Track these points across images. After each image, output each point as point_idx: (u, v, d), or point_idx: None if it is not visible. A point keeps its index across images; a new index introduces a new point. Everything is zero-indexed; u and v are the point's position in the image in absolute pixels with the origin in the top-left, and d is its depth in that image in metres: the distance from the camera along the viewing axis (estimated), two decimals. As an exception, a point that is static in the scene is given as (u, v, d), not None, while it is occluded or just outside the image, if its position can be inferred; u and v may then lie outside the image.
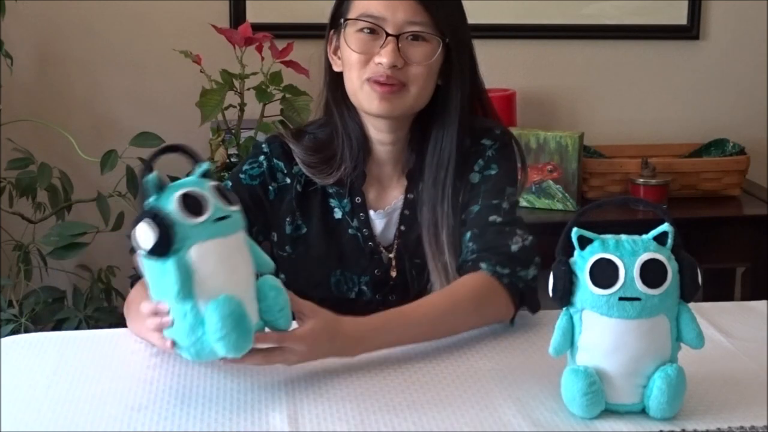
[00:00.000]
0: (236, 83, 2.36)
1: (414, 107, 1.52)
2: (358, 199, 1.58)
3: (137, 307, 1.26)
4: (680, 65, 2.91)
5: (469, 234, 1.51)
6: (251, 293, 1.17)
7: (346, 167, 1.56)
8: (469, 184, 1.55)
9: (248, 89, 2.36)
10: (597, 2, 2.84)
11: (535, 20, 2.80)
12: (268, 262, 1.22)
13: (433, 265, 1.53)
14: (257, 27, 2.41)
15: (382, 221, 1.59)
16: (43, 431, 1.13)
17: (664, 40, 2.88)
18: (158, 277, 1.13)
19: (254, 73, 2.37)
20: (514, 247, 1.47)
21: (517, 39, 2.76)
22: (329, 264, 1.58)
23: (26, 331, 2.19)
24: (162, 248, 1.10)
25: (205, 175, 1.19)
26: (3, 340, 1.38)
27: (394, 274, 1.58)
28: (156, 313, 1.16)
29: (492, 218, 1.51)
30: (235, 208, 1.16)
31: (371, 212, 1.59)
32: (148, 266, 1.14)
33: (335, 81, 1.57)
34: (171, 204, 1.12)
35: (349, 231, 1.58)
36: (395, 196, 1.60)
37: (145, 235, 1.11)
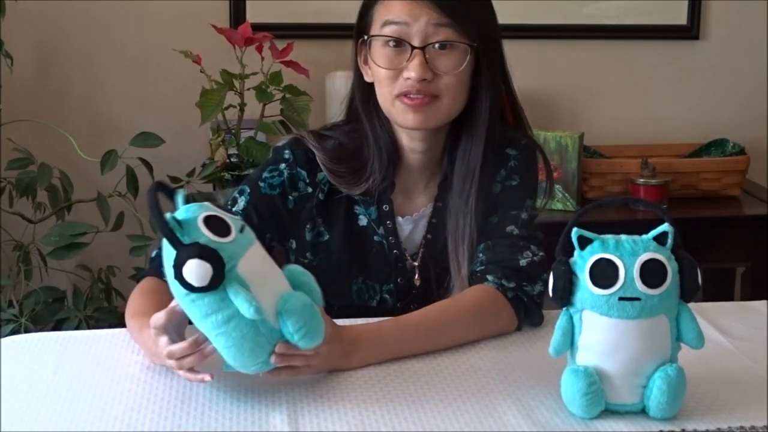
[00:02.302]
0: (236, 83, 2.36)
1: (449, 117, 1.49)
2: (386, 207, 1.55)
3: (146, 334, 1.26)
4: (680, 65, 2.91)
5: (482, 245, 1.50)
6: (287, 283, 1.19)
7: (374, 179, 1.52)
8: (491, 194, 1.53)
9: (248, 89, 2.36)
10: (597, 2, 2.84)
11: (535, 20, 2.80)
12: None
13: (455, 275, 1.51)
14: (257, 27, 2.42)
15: (409, 227, 1.57)
16: (43, 431, 1.13)
17: (664, 40, 2.89)
18: (217, 309, 1.11)
19: (254, 73, 2.37)
20: (523, 262, 1.46)
21: (517, 39, 2.75)
22: (351, 272, 1.56)
23: (26, 331, 2.19)
24: (219, 277, 1.09)
25: (186, 201, 1.16)
26: (3, 340, 1.38)
27: (417, 282, 1.57)
28: (190, 350, 1.17)
29: (509, 228, 1.50)
30: (236, 228, 1.15)
31: (399, 218, 1.57)
32: (199, 306, 1.12)
33: (366, 91, 1.53)
34: (201, 233, 1.11)
35: (375, 238, 1.56)
36: (423, 203, 1.58)
37: (199, 271, 1.09)
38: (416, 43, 1.43)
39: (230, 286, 1.10)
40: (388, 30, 1.45)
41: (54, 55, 2.65)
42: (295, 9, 2.68)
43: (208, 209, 1.14)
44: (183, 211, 1.13)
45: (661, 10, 2.85)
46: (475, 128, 1.50)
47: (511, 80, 1.57)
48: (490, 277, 1.44)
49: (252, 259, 1.14)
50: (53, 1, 2.61)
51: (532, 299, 1.44)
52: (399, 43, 1.44)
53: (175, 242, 1.10)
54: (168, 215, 1.11)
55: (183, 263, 1.09)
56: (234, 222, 1.14)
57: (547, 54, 2.84)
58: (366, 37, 1.49)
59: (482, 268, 1.47)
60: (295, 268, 1.21)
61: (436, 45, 1.44)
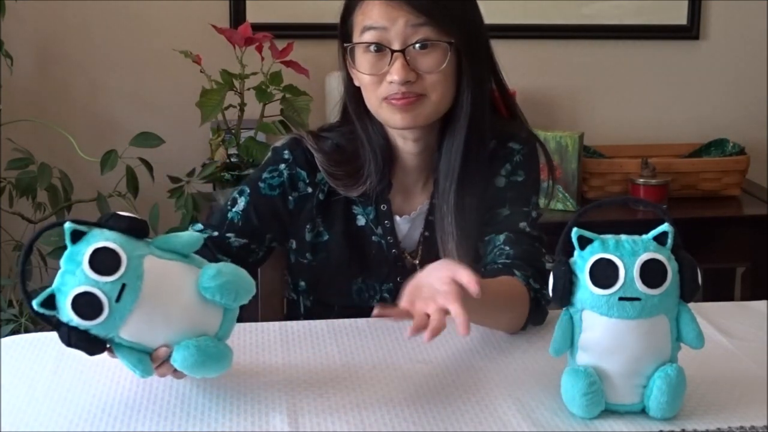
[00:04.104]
0: (236, 83, 2.36)
1: (438, 113, 1.48)
2: (383, 207, 1.55)
3: None
4: (680, 65, 2.91)
5: (503, 237, 1.48)
6: (194, 312, 1.13)
7: (371, 181, 1.52)
8: (494, 188, 1.53)
9: (248, 89, 2.37)
10: (597, 2, 2.84)
11: (535, 20, 2.80)
12: (187, 242, 1.14)
13: None
14: (257, 27, 2.42)
15: (407, 225, 1.57)
16: (43, 431, 1.13)
17: (664, 40, 2.89)
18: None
19: (254, 73, 2.37)
20: (547, 266, 1.45)
21: (517, 39, 2.76)
22: (351, 272, 1.56)
23: (26, 331, 2.19)
24: (100, 349, 1.11)
25: (75, 236, 1.10)
26: (3, 340, 1.38)
27: None
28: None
29: (522, 225, 1.50)
30: (120, 273, 1.07)
31: (397, 217, 1.56)
32: None
33: (357, 95, 1.52)
34: (70, 317, 1.07)
35: (373, 238, 1.56)
36: (421, 201, 1.58)
37: (78, 351, 1.10)
38: (396, 46, 1.43)
39: (118, 353, 1.11)
40: (368, 36, 1.44)
41: (54, 55, 2.65)
42: (295, 9, 2.68)
43: (87, 279, 1.07)
44: (64, 273, 1.09)
45: (661, 10, 2.85)
46: (457, 124, 1.49)
47: (500, 73, 1.56)
48: (518, 273, 1.42)
49: (137, 323, 1.09)
50: (53, 1, 2.61)
51: (547, 303, 1.43)
52: (379, 47, 1.44)
53: (50, 322, 1.09)
54: (36, 302, 1.07)
55: (64, 343, 1.09)
56: (111, 291, 1.07)
57: (547, 54, 2.84)
58: (346, 45, 1.49)
59: (509, 261, 1.45)
60: (204, 277, 1.13)
61: (416, 45, 1.43)
